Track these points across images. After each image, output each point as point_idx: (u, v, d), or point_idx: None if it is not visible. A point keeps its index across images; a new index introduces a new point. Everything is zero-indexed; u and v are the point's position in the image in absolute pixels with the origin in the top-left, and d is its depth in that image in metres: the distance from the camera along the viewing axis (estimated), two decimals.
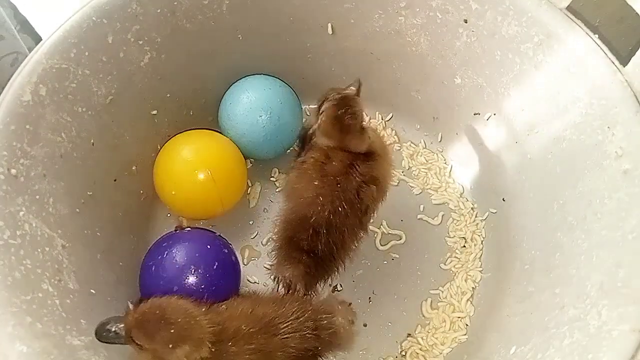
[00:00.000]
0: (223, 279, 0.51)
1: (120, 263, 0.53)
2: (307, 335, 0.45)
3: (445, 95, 0.61)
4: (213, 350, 0.41)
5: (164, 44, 0.55)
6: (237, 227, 0.61)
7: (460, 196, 0.63)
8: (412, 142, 0.66)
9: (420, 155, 0.65)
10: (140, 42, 0.53)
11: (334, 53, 0.63)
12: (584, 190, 0.47)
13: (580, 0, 0.49)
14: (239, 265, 0.55)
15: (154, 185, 0.58)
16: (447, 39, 0.56)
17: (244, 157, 0.60)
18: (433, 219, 0.61)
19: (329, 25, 0.60)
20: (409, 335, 0.55)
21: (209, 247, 0.52)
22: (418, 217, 0.61)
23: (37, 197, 0.45)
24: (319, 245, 0.48)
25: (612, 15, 0.48)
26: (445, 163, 0.64)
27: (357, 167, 0.48)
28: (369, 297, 0.57)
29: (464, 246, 0.60)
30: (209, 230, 0.57)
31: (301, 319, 0.45)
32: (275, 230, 0.52)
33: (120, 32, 0.51)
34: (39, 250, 0.44)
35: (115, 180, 0.54)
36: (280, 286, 0.50)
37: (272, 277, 0.51)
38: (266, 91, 0.59)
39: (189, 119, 0.62)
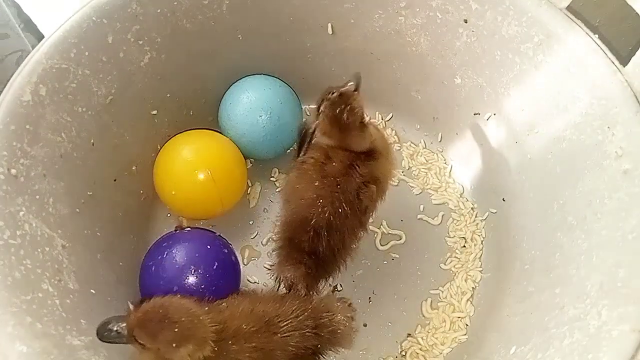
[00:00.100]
0: (223, 279, 0.51)
1: (120, 263, 0.53)
2: (307, 333, 0.45)
3: (445, 95, 0.61)
4: (215, 349, 0.41)
5: (164, 44, 0.55)
6: (237, 227, 0.61)
7: (460, 196, 0.63)
8: (412, 142, 0.66)
9: (420, 155, 0.65)
10: (140, 42, 0.53)
11: (334, 53, 0.63)
12: (584, 190, 0.47)
13: (580, 0, 0.49)
14: (239, 265, 0.55)
15: (154, 185, 0.58)
16: (447, 39, 0.56)
17: (244, 157, 0.60)
18: (433, 219, 0.61)
19: (329, 25, 0.60)
20: (409, 335, 0.55)
21: (209, 247, 0.52)
22: (418, 217, 0.61)
23: (37, 197, 0.45)
24: (320, 246, 0.48)
25: (612, 15, 0.48)
26: (445, 163, 0.64)
27: (357, 167, 0.48)
28: (369, 297, 0.57)
29: (464, 246, 0.60)
30: (209, 230, 0.57)
31: (301, 318, 0.46)
32: (276, 230, 0.52)
33: (120, 32, 0.51)
34: (39, 250, 0.44)
35: (115, 180, 0.54)
36: (282, 286, 0.50)
37: (273, 277, 0.51)
38: (266, 91, 0.59)
39: (189, 119, 0.62)
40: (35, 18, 0.66)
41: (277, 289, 0.50)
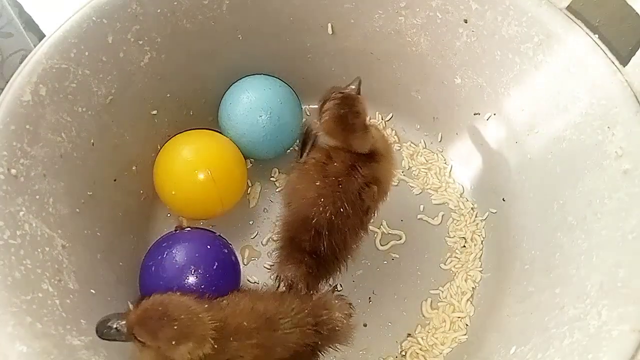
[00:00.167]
0: (223, 279, 0.51)
1: (120, 263, 0.53)
2: (307, 330, 0.46)
3: (445, 95, 0.61)
4: (215, 346, 0.41)
5: (164, 44, 0.55)
6: (237, 227, 0.61)
7: (460, 196, 0.63)
8: (412, 142, 0.66)
9: (420, 155, 0.65)
10: (140, 42, 0.53)
11: (334, 53, 0.63)
12: (584, 190, 0.47)
13: (580, 0, 0.49)
14: (239, 265, 0.55)
15: (154, 185, 0.58)
16: (447, 39, 0.56)
17: (244, 157, 0.60)
18: (433, 219, 0.61)
19: (329, 25, 0.60)
20: (409, 335, 0.55)
21: (208, 247, 0.52)
22: (418, 217, 0.61)
23: (37, 197, 0.45)
24: (321, 246, 0.48)
25: (612, 15, 0.49)
26: (445, 163, 0.64)
27: (359, 168, 0.48)
28: (369, 297, 0.57)
29: (464, 246, 0.60)
30: (209, 230, 0.57)
31: (301, 315, 0.46)
32: (277, 230, 0.52)
33: (120, 32, 0.51)
34: (39, 250, 0.44)
35: (115, 180, 0.54)
36: (282, 286, 0.50)
37: (273, 276, 0.51)
38: (266, 91, 0.59)
39: (189, 119, 0.62)
40: (36, 18, 0.67)
41: (277, 288, 0.50)
